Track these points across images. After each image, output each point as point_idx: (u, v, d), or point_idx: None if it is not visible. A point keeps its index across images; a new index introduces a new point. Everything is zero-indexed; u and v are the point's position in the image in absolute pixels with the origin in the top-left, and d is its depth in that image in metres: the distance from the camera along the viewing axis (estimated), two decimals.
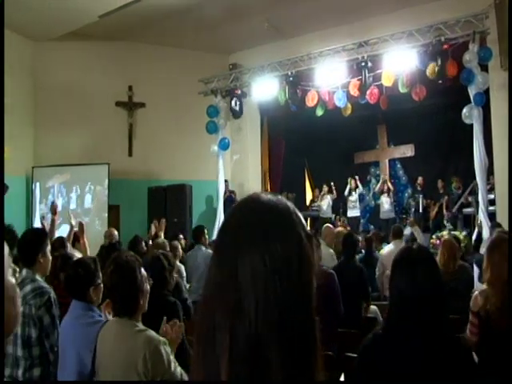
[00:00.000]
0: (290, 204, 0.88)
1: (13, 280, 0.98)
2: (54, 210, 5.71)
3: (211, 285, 0.83)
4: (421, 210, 11.86)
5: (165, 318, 2.67)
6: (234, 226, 0.86)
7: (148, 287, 2.58)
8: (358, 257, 7.00)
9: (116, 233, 7.32)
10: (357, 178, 13.09)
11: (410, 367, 1.88)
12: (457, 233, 9.83)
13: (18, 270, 2.91)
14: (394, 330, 1.98)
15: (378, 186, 13.13)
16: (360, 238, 7.55)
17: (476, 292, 3.15)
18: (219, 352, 0.78)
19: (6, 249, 0.96)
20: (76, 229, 5.73)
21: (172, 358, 2.41)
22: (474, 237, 8.16)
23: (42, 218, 7.05)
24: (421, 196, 12.01)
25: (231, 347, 0.77)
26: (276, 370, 0.77)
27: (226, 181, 11.91)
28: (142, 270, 2.56)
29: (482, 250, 4.43)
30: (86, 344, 2.67)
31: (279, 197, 0.89)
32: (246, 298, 0.78)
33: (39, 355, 3.07)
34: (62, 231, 10.40)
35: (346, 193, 12.92)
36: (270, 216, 0.84)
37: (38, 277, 3.22)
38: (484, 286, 3.11)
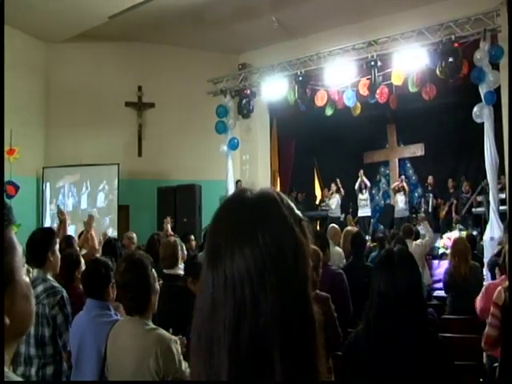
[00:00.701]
0: (277, 193, 0.87)
1: (27, 279, 0.99)
2: (60, 212, 5.75)
3: (207, 288, 0.81)
4: (430, 210, 11.77)
5: (171, 329, 2.67)
6: (222, 226, 0.84)
7: (158, 286, 2.59)
8: (371, 256, 7.00)
9: (134, 235, 7.30)
10: (361, 173, 12.89)
11: (391, 366, 1.93)
12: (467, 232, 9.74)
13: (31, 270, 2.96)
14: (374, 329, 2.03)
15: (396, 183, 12.98)
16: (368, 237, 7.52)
17: (500, 287, 3.13)
18: (219, 352, 0.77)
19: (20, 249, 0.97)
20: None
21: (182, 357, 2.42)
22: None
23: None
24: (431, 195, 11.91)
25: (232, 347, 0.77)
26: (277, 368, 0.76)
27: (239, 181, 11.90)
28: (153, 269, 2.58)
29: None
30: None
31: (265, 188, 0.88)
32: (243, 297, 0.77)
33: (52, 354, 3.13)
34: (71, 231, 10.50)
35: (357, 187, 12.80)
36: (257, 210, 0.83)
37: (49, 276, 3.26)
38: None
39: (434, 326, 3.66)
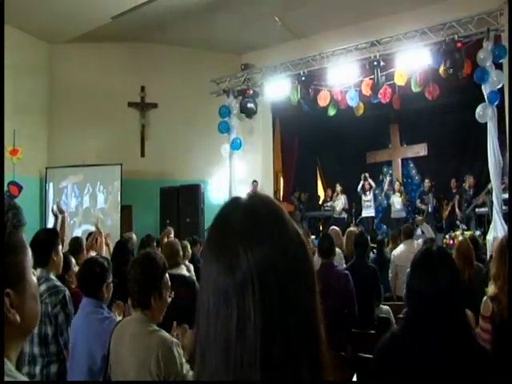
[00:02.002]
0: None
1: (35, 279, 1.00)
2: (59, 209, 5.73)
3: (212, 287, 0.80)
4: (430, 210, 11.75)
5: (175, 322, 2.67)
6: (228, 226, 0.82)
7: (168, 295, 2.60)
8: (370, 257, 7.00)
9: (134, 236, 7.33)
10: (367, 175, 12.91)
11: (429, 366, 1.87)
12: (470, 232, 9.74)
13: (34, 271, 2.97)
14: (412, 329, 1.98)
15: (386, 186, 13.12)
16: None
17: (485, 297, 3.04)
18: (250, 371, 0.76)
19: (29, 249, 0.99)
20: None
21: (184, 360, 2.41)
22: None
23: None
24: (430, 196, 11.88)
25: (238, 345, 0.76)
26: (304, 374, 0.76)
27: (255, 181, 11.86)
28: (167, 275, 2.61)
29: None
30: (96, 340, 2.76)
31: (264, 195, 0.87)
32: (272, 304, 0.76)
33: (56, 352, 3.17)
34: (74, 231, 10.53)
35: (359, 189, 12.81)
36: (266, 212, 0.83)
37: (52, 275, 3.31)
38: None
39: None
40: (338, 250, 6.46)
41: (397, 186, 12.59)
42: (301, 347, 0.77)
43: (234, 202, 0.86)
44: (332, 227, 7.51)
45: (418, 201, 12.41)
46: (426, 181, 12.27)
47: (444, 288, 1.93)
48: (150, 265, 2.51)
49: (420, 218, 9.91)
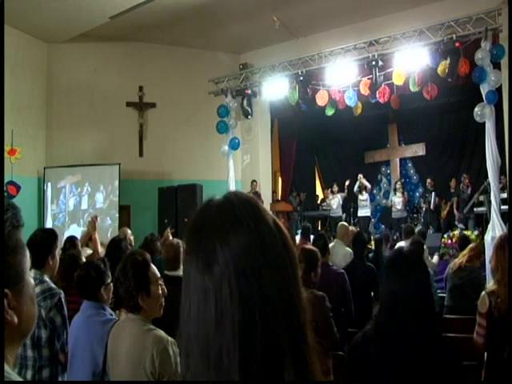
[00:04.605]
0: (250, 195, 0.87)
1: (33, 281, 0.99)
2: (93, 225, 5.69)
3: (202, 293, 0.78)
4: (432, 207, 11.72)
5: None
6: (203, 224, 0.82)
7: (159, 289, 2.58)
8: (368, 257, 6.99)
9: (129, 231, 7.32)
10: (361, 176, 12.88)
11: (400, 366, 1.91)
12: (468, 232, 9.75)
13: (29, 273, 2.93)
14: (384, 328, 2.02)
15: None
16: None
17: (483, 292, 3.10)
18: (230, 366, 0.75)
19: (27, 252, 0.98)
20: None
21: (179, 359, 2.41)
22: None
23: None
24: (433, 194, 11.86)
25: (245, 356, 0.74)
26: (288, 370, 0.75)
27: (254, 181, 11.87)
28: (154, 267, 2.57)
29: None
30: (99, 343, 2.70)
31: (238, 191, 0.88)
32: (250, 295, 0.76)
33: (49, 356, 3.10)
34: (72, 231, 10.50)
35: (355, 189, 12.79)
36: (240, 204, 0.82)
37: (46, 278, 3.22)
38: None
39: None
40: (349, 249, 6.29)
41: (398, 185, 12.55)
42: (283, 337, 0.76)
43: (207, 202, 0.86)
44: (341, 223, 7.20)
45: (421, 200, 12.39)
46: (428, 180, 12.25)
47: (414, 289, 1.98)
48: (129, 267, 2.48)
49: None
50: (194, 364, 0.78)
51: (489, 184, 9.00)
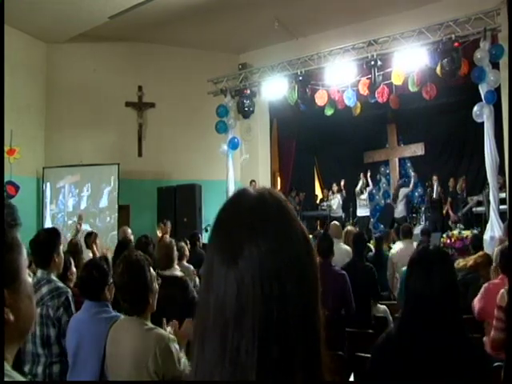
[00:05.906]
0: (283, 197, 0.87)
1: (30, 280, 1.00)
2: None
3: (225, 290, 0.78)
4: (435, 196, 11.64)
5: (164, 319, 2.67)
6: (236, 216, 0.82)
7: (157, 286, 2.59)
8: (368, 256, 7.00)
9: (129, 231, 7.33)
10: (368, 174, 12.94)
11: (424, 367, 1.86)
12: (467, 232, 9.75)
13: (31, 274, 2.95)
14: (407, 329, 1.97)
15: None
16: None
17: (502, 289, 3.12)
18: (247, 362, 0.75)
19: (24, 248, 0.98)
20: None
21: (182, 354, 2.44)
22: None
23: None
24: (435, 183, 11.79)
25: (236, 332, 0.75)
26: (298, 373, 0.76)
27: (253, 181, 11.87)
28: (151, 269, 2.57)
29: None
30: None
31: (271, 190, 0.86)
32: (270, 297, 0.76)
33: (59, 353, 3.13)
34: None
35: (358, 189, 12.80)
36: (275, 206, 0.82)
37: (53, 277, 3.24)
38: None
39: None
40: (346, 246, 6.44)
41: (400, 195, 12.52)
42: (297, 342, 0.77)
43: (239, 195, 0.85)
44: (333, 222, 7.50)
45: (421, 199, 12.39)
46: (434, 177, 12.20)
47: (440, 288, 1.91)
48: (139, 271, 2.48)
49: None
50: (210, 351, 0.78)
51: (487, 195, 9.01)
